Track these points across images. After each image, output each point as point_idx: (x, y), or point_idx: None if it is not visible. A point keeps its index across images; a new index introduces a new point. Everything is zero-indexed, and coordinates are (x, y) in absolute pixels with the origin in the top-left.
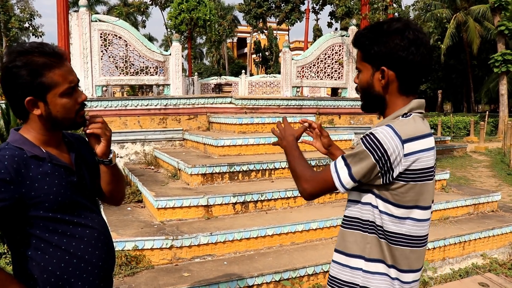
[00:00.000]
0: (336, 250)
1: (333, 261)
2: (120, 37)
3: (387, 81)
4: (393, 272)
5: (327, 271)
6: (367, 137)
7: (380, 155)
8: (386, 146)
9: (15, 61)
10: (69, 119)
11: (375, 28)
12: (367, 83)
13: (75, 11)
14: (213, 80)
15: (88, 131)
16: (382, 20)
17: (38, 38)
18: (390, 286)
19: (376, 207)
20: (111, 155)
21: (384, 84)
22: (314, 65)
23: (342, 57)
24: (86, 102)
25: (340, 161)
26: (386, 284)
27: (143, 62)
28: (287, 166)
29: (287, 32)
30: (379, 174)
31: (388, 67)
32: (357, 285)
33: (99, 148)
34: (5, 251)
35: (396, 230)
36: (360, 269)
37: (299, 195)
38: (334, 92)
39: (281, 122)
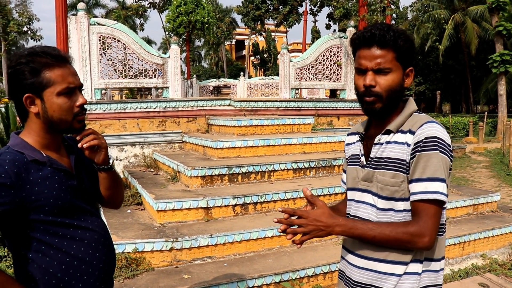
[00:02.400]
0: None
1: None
2: (118, 40)
3: (412, 80)
4: (441, 264)
5: (327, 272)
6: (433, 142)
7: (450, 152)
8: (448, 142)
9: (20, 59)
10: (66, 121)
11: (397, 28)
12: (400, 84)
13: (74, 14)
14: (212, 83)
15: (85, 145)
16: (384, 23)
17: (36, 42)
18: (433, 280)
19: None
20: (111, 160)
21: (409, 84)
22: (312, 67)
23: (340, 59)
24: (86, 107)
25: (438, 185)
26: (430, 279)
27: (142, 65)
28: (286, 168)
29: (285, 34)
30: (450, 170)
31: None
32: None
33: (99, 158)
34: (6, 254)
35: (443, 221)
36: (417, 273)
37: (299, 196)
38: (333, 93)
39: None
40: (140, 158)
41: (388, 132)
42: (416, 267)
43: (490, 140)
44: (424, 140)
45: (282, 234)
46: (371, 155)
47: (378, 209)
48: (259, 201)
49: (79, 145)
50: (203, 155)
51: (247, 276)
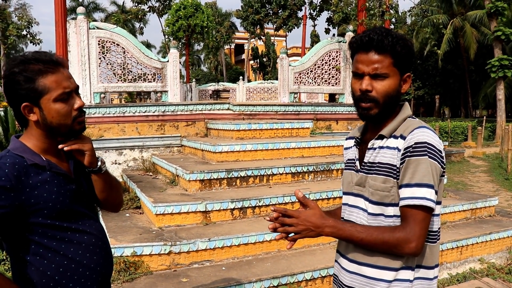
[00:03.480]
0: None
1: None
2: (118, 44)
3: (409, 86)
4: (435, 272)
5: (325, 276)
6: (423, 147)
7: (440, 158)
8: (440, 147)
9: (13, 68)
10: (66, 125)
11: (396, 34)
12: (396, 90)
13: (73, 18)
14: (211, 87)
15: (65, 148)
16: (383, 27)
17: (36, 45)
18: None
19: None
20: (99, 163)
21: (406, 90)
22: (311, 71)
23: (339, 63)
24: (84, 109)
25: (426, 191)
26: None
27: (141, 69)
28: (285, 172)
29: (284, 38)
30: (442, 176)
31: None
32: None
33: (85, 160)
34: (5, 257)
35: (435, 228)
36: (408, 280)
37: (297, 200)
38: (332, 97)
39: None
40: (139, 162)
41: (381, 137)
42: (407, 274)
43: (489, 144)
44: (413, 146)
45: (273, 232)
46: (365, 160)
47: (369, 214)
48: (257, 205)
49: (59, 146)
50: (202, 159)
51: (245, 280)
